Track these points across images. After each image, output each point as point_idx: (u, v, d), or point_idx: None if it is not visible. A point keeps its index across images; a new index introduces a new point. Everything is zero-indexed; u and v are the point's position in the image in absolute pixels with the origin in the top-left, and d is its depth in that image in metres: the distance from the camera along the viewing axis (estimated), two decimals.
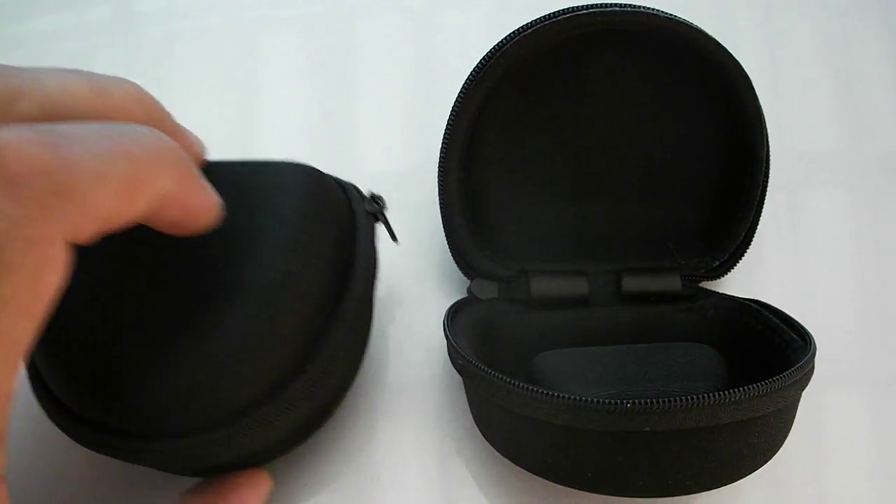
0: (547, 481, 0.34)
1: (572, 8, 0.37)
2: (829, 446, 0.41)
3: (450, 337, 0.36)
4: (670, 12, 0.37)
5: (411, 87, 0.50)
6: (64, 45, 0.52)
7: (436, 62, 0.51)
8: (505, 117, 0.41)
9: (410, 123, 0.49)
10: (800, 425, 0.35)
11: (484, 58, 0.38)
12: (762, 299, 0.41)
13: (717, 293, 0.43)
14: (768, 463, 0.34)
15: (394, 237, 0.39)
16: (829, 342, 0.38)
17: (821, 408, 0.41)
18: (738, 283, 0.44)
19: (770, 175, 0.41)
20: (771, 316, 0.39)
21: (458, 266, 0.42)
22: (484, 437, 0.37)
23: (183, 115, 0.30)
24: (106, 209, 0.21)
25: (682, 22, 0.37)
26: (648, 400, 0.29)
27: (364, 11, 0.53)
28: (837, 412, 0.42)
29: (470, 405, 0.38)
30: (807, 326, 0.37)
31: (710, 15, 0.52)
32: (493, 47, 0.38)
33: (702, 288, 0.43)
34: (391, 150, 0.49)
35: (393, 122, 0.49)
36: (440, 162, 0.40)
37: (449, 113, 0.39)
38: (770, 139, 0.40)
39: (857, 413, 0.42)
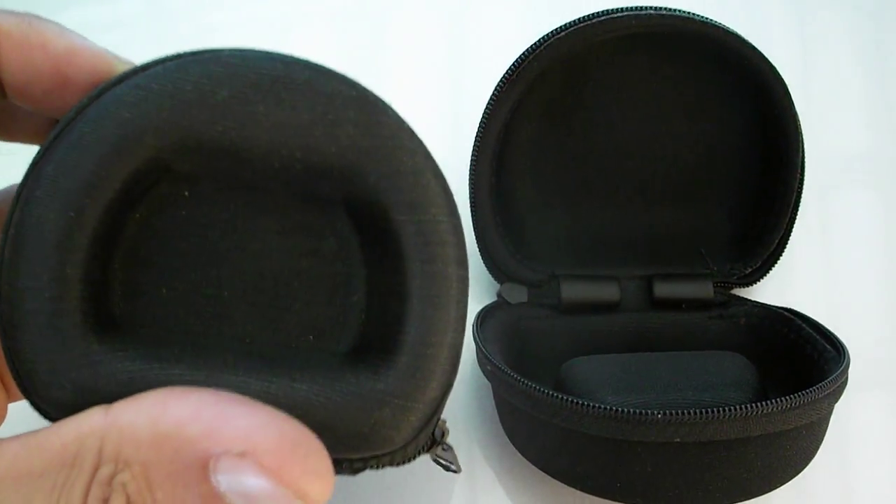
0: (574, 490, 0.34)
1: (606, 11, 0.37)
2: (861, 456, 0.41)
3: (479, 342, 0.36)
4: (705, 16, 0.37)
5: (443, 87, 0.50)
6: (98, 37, 0.52)
7: (468, 63, 0.51)
8: (537, 120, 0.40)
9: (441, 125, 0.49)
10: (830, 434, 0.35)
11: (517, 60, 0.38)
12: (795, 307, 0.40)
13: (750, 301, 0.42)
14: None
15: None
16: (861, 350, 0.38)
17: (852, 417, 0.41)
18: (771, 290, 0.44)
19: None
20: (804, 325, 0.38)
21: (489, 270, 0.42)
22: (511, 443, 0.37)
23: None
24: None
25: (717, 26, 0.37)
26: (679, 411, 0.29)
27: (397, 8, 0.53)
28: (869, 421, 0.41)
29: (498, 411, 0.38)
30: (840, 334, 0.36)
31: (743, 16, 0.51)
32: (527, 50, 0.38)
33: (734, 295, 0.43)
34: None
35: (423, 123, 0.48)
36: (471, 165, 0.39)
37: (481, 115, 0.39)
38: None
39: (888, 422, 0.42)
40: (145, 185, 0.22)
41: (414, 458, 0.25)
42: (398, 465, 0.24)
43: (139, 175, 0.21)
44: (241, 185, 0.23)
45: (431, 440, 0.26)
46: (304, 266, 0.24)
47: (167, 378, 0.21)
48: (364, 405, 0.22)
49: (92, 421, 0.20)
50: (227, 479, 0.20)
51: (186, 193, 0.23)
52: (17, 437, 0.20)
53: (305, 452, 0.21)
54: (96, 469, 0.20)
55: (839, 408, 0.34)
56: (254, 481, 0.20)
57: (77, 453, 0.20)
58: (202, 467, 0.20)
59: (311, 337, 0.24)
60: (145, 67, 0.21)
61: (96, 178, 0.21)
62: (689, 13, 0.37)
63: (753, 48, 0.37)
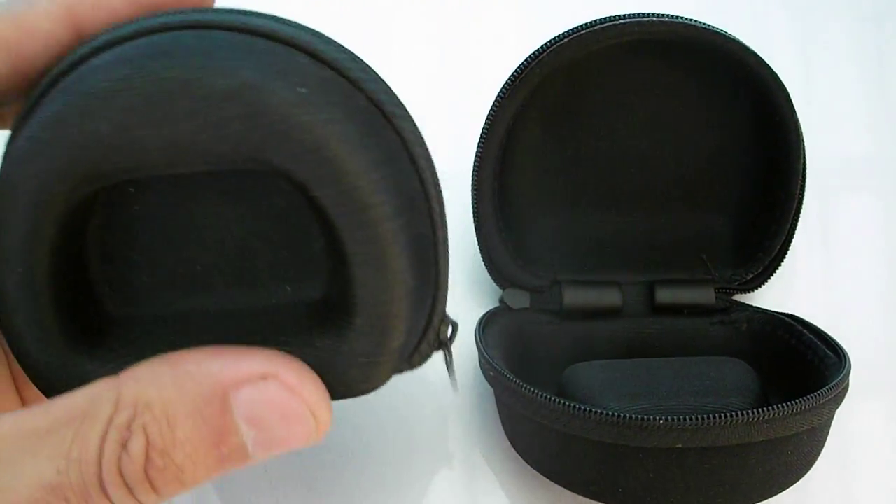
0: (576, 495, 0.34)
1: (609, 17, 0.37)
2: (862, 462, 0.41)
3: (481, 347, 0.36)
4: (707, 22, 0.37)
5: (445, 93, 0.50)
6: None
7: (471, 68, 0.51)
8: (540, 126, 0.41)
9: (444, 130, 0.49)
10: (831, 440, 0.35)
11: (520, 66, 0.38)
12: (796, 313, 0.40)
13: (751, 306, 0.42)
14: None
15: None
16: (862, 356, 0.38)
17: (853, 422, 0.41)
18: (773, 296, 0.44)
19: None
20: (805, 331, 0.38)
21: (491, 275, 0.42)
22: (513, 448, 0.37)
23: None
24: None
25: (719, 32, 0.37)
26: (681, 417, 0.29)
27: (398, 14, 0.53)
28: (870, 427, 0.41)
29: (500, 416, 0.38)
30: (841, 340, 0.36)
31: (745, 23, 0.51)
32: (530, 55, 0.38)
33: (735, 301, 0.43)
34: None
35: (426, 128, 0.49)
36: (474, 170, 0.40)
37: (484, 120, 0.39)
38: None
39: (889, 428, 0.42)
40: (89, 202, 0.22)
41: (425, 361, 0.27)
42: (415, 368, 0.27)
43: (73, 205, 0.21)
44: (174, 177, 0.23)
45: (437, 343, 0.27)
46: (261, 226, 0.24)
47: None
48: (332, 368, 0.23)
49: (104, 381, 0.21)
50: (247, 405, 0.21)
51: (132, 190, 0.23)
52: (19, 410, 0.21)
53: (315, 378, 0.22)
54: (112, 417, 0.20)
55: (840, 414, 0.34)
56: (274, 400, 0.21)
57: (90, 406, 0.20)
58: (223, 400, 0.21)
59: (288, 288, 0.25)
60: (34, 107, 0.21)
61: (31, 231, 0.21)
62: (690, 20, 0.37)
63: (755, 55, 0.37)
